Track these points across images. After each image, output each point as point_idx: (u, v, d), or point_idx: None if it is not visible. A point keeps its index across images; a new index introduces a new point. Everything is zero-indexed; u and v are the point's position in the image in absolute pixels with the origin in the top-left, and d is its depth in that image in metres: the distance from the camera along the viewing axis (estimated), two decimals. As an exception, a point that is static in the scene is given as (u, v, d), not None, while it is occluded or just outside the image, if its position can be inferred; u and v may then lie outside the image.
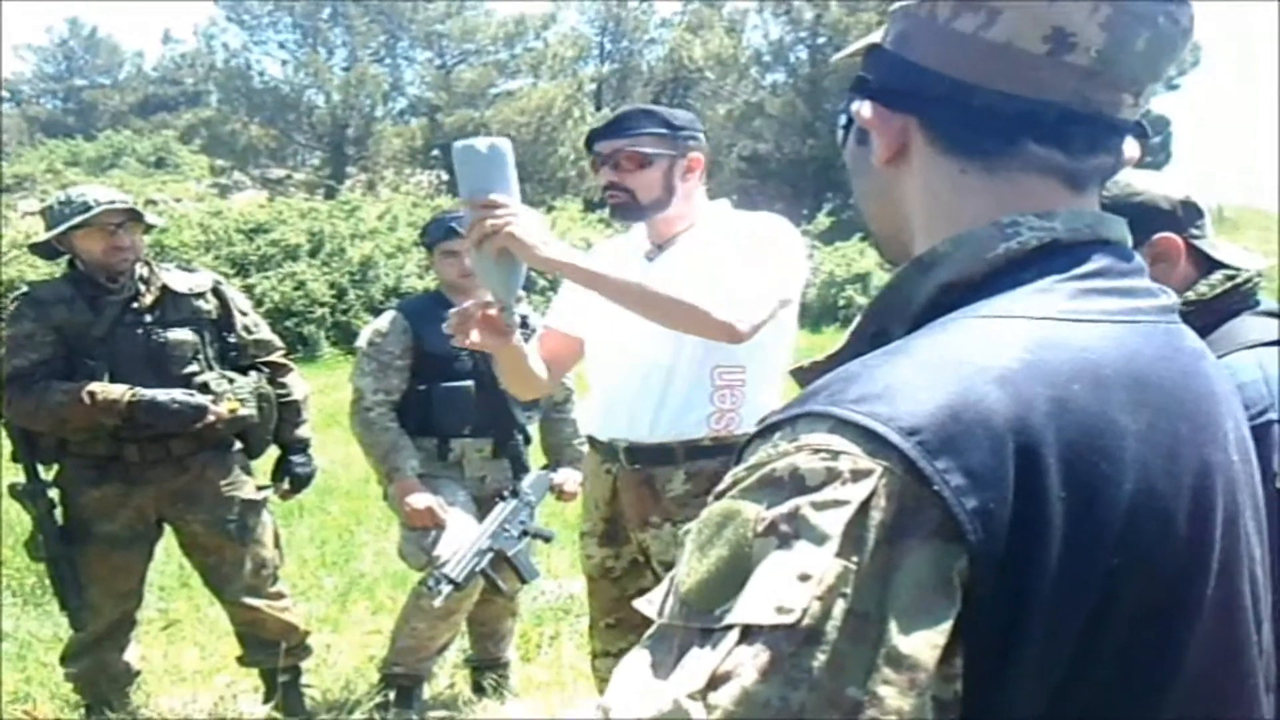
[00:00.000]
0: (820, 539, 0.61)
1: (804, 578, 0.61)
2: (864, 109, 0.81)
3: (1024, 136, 0.76)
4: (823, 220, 22.78)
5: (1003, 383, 0.66)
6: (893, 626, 0.60)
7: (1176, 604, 0.71)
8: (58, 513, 3.09)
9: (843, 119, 0.87)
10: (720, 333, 2.06)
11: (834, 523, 0.61)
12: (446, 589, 2.99)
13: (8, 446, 3.14)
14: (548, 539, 3.46)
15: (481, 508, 3.30)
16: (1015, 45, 0.74)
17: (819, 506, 0.62)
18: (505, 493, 3.26)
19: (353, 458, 6.00)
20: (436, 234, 3.40)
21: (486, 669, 3.58)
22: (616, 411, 2.33)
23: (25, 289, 3.15)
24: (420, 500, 3.20)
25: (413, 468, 3.26)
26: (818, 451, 0.64)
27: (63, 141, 31.04)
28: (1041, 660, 0.65)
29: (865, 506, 0.61)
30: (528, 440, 3.52)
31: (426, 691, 3.48)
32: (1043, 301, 0.72)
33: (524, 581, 3.29)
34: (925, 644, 0.60)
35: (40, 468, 3.11)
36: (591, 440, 2.45)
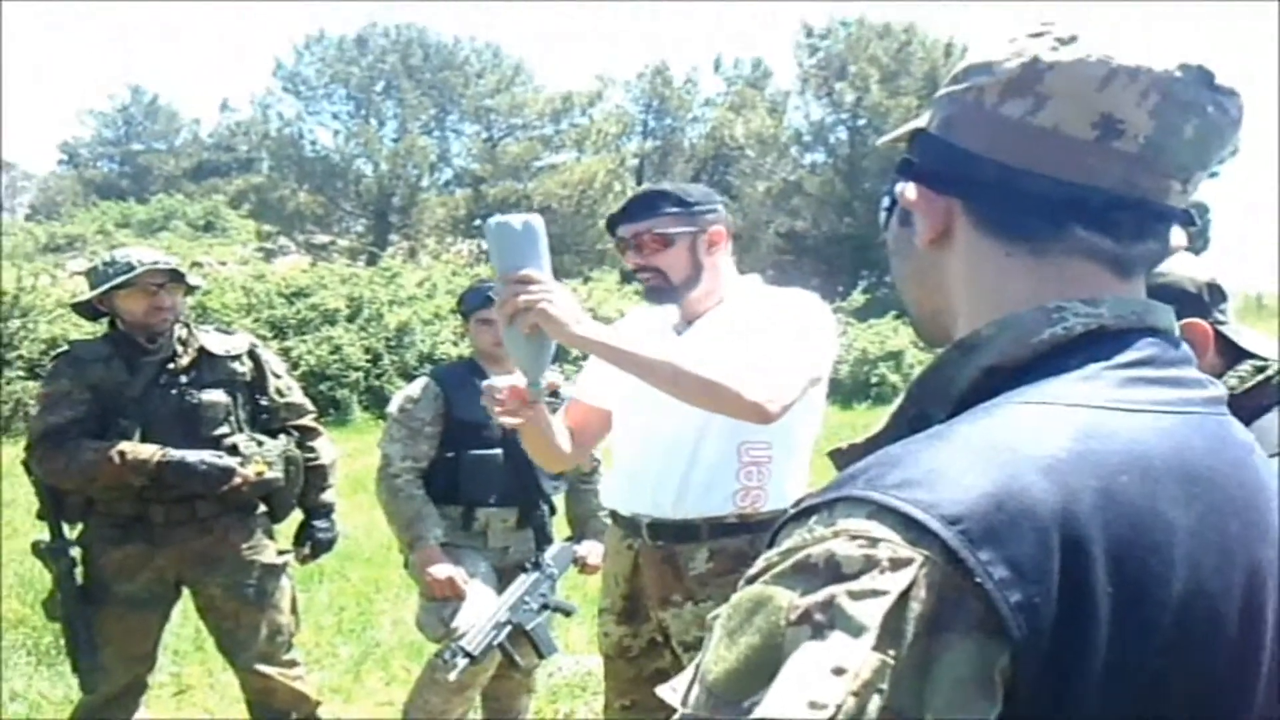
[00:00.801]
0: (857, 630, 0.59)
1: (839, 671, 0.58)
2: (908, 190, 0.81)
3: (1071, 221, 0.75)
4: (857, 298, 22.77)
5: (1049, 472, 0.63)
6: None
7: (1225, 708, 0.67)
8: (78, 572, 3.06)
9: (885, 200, 0.87)
10: (751, 413, 2.03)
11: (871, 614, 0.59)
12: (463, 662, 2.94)
13: (34, 504, 3.13)
14: (568, 613, 3.40)
15: (503, 578, 3.25)
16: (1063, 131, 0.74)
17: (856, 596, 0.59)
18: (527, 564, 3.21)
19: (375, 524, 5.97)
20: (473, 302, 3.41)
21: (500, 746, 3.50)
22: (640, 486, 2.30)
23: (65, 348, 3.17)
24: (442, 570, 3.16)
25: (436, 536, 3.23)
26: (856, 538, 0.61)
27: (116, 203, 31.76)
28: None
29: (904, 597, 0.59)
30: (553, 511, 3.48)
31: (438, 768, 3.40)
32: (1090, 389, 0.70)
33: (541, 656, 3.23)
34: None
35: (65, 526, 3.10)
36: (614, 515, 2.41)
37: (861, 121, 31.46)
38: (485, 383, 2.08)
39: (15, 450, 6.83)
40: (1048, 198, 0.75)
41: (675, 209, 2.27)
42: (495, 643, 3.02)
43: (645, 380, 2.03)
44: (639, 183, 30.67)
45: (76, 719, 3.16)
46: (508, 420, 2.08)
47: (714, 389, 2.00)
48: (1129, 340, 0.73)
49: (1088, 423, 0.67)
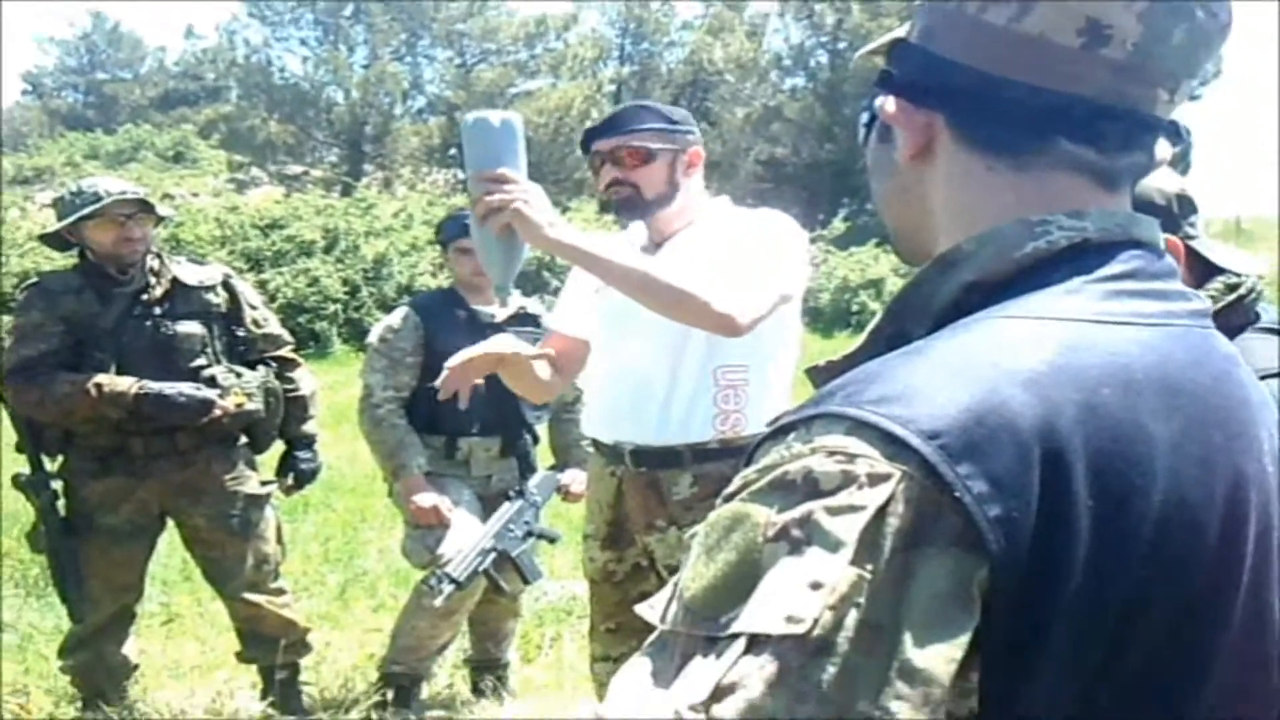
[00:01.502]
0: (834, 545, 0.58)
1: (816, 586, 0.58)
2: (888, 104, 0.79)
3: (1055, 133, 0.74)
4: (838, 225, 22.76)
5: (1029, 386, 0.63)
6: (907, 639, 0.58)
7: (1205, 617, 0.68)
8: (61, 505, 3.07)
9: (864, 116, 0.85)
10: (719, 324, 2.03)
11: (849, 529, 0.59)
12: (449, 588, 2.97)
13: (12, 437, 3.12)
14: (553, 540, 3.43)
15: (487, 507, 3.27)
16: (1048, 37, 0.72)
17: (833, 511, 0.59)
18: (511, 492, 3.23)
19: (359, 454, 5.99)
20: (452, 231, 3.38)
21: (486, 669, 3.55)
22: (619, 414, 2.30)
23: (35, 280, 3.13)
24: (426, 499, 3.18)
25: (419, 465, 3.24)
26: (833, 454, 0.61)
27: (83, 135, 31.22)
28: (1063, 674, 0.62)
29: (882, 512, 0.59)
30: (536, 440, 3.49)
31: (425, 691, 3.46)
32: (1072, 303, 0.69)
33: (527, 582, 3.26)
34: (941, 658, 0.58)
35: (45, 459, 3.10)
36: (595, 443, 2.41)
37: (842, 45, 31.08)
38: (450, 365, 2.13)
39: (-9, 385, 6.83)
40: (1031, 108, 0.73)
41: (660, 124, 2.25)
42: (481, 569, 3.04)
43: (617, 288, 2.02)
44: (616, 109, 30.31)
45: (67, 648, 3.19)
46: (449, 386, 2.16)
47: (684, 298, 1.99)
48: (1113, 253, 0.72)
49: (1069, 336, 0.67)
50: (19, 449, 3.11)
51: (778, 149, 31.65)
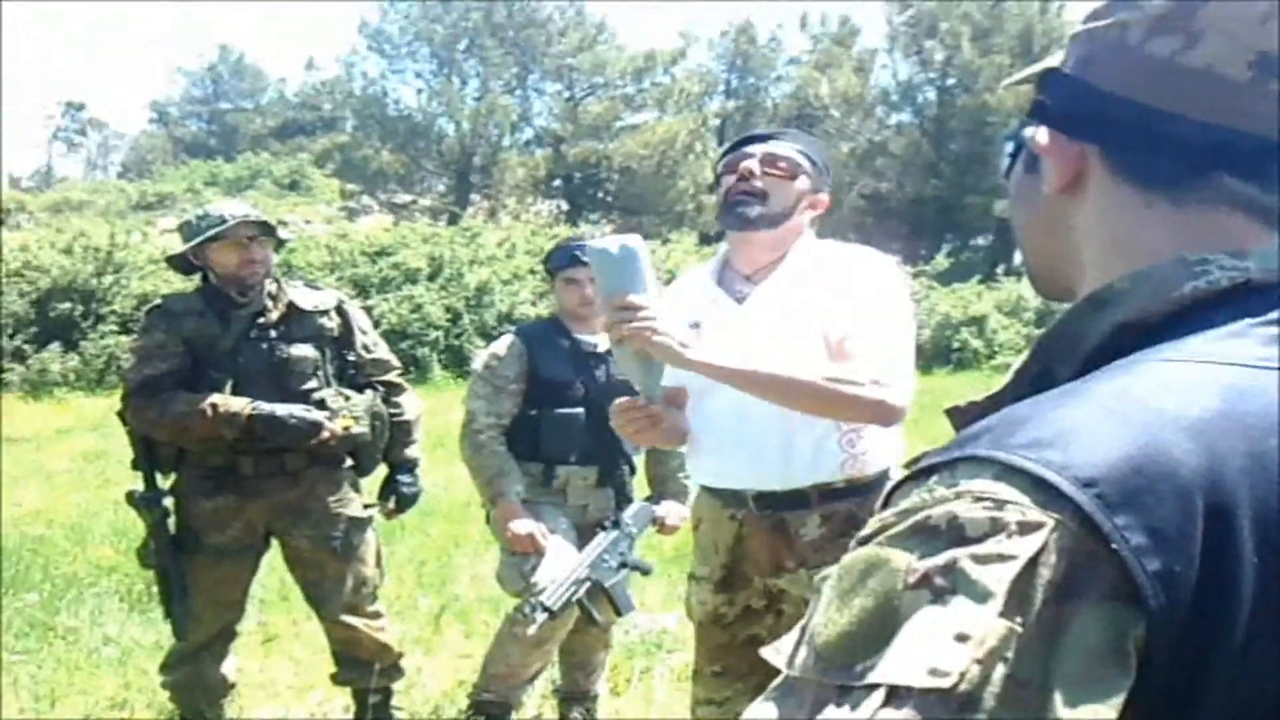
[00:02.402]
0: (982, 596, 0.55)
1: (962, 638, 0.55)
2: (1040, 134, 0.77)
3: (1218, 168, 0.70)
4: (941, 261, 22.44)
5: (1193, 434, 0.59)
6: (1058, 697, 0.54)
7: None
8: (171, 522, 3.13)
9: (1009, 145, 0.83)
10: (875, 416, 2.06)
11: (998, 579, 0.55)
12: (541, 616, 2.95)
13: (127, 455, 3.21)
14: (646, 572, 3.40)
15: (583, 536, 3.26)
16: (1216, 71, 0.69)
17: (980, 560, 0.56)
18: (606, 523, 3.22)
19: (455, 479, 6.05)
20: (560, 260, 3.39)
21: (575, 701, 3.53)
22: (738, 461, 2.24)
23: (158, 302, 3.23)
24: (522, 526, 3.18)
25: (517, 493, 3.24)
26: (980, 500, 0.58)
27: (204, 162, 32.47)
28: None
29: (1033, 563, 0.55)
30: (633, 471, 3.48)
31: (514, 720, 3.45)
32: (1235, 347, 0.65)
33: (619, 614, 3.23)
34: (1094, 718, 0.54)
35: (159, 477, 3.16)
36: (708, 488, 2.37)
37: (951, 81, 30.77)
38: (614, 406, 2.16)
39: (110, 402, 7.05)
40: (1195, 143, 0.70)
41: (814, 157, 2.28)
42: (574, 598, 3.03)
43: (762, 397, 2.05)
44: (720, 143, 30.42)
45: (169, 664, 3.24)
46: (639, 438, 2.20)
47: (835, 398, 2.02)
48: (1276, 295, 0.68)
49: (1234, 382, 0.63)
50: (135, 466, 3.18)
51: (882, 184, 31.38)
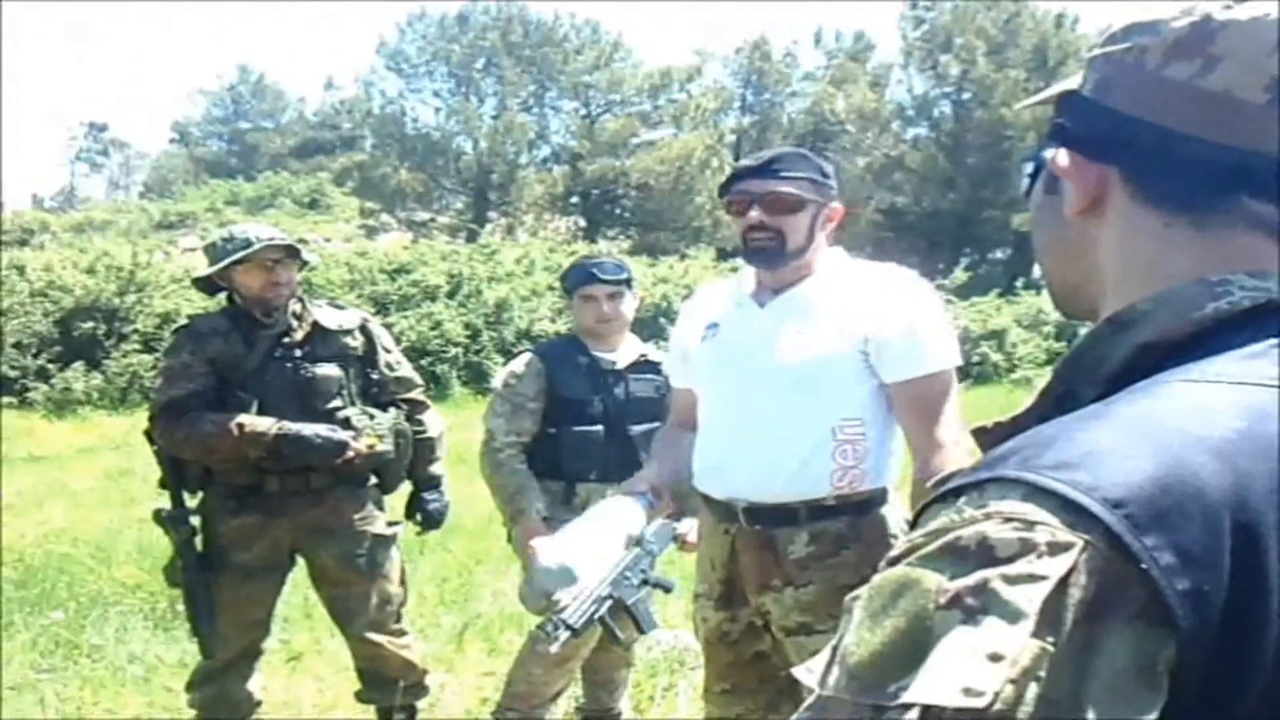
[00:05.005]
0: (1014, 616, 0.56)
1: (995, 658, 0.55)
2: (1059, 157, 0.78)
3: (1238, 190, 0.71)
4: (959, 275, 22.34)
5: (1219, 454, 0.60)
6: (1090, 717, 0.55)
7: None
8: (198, 540, 3.15)
9: (1028, 166, 0.84)
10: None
11: (1029, 600, 0.56)
12: (564, 635, 2.95)
13: (152, 474, 3.23)
14: (668, 589, 3.38)
15: (604, 555, 3.26)
16: (1234, 94, 0.70)
17: (1011, 580, 0.57)
18: (628, 540, 3.22)
19: (476, 497, 6.03)
20: (577, 278, 3.40)
21: (598, 719, 3.53)
22: (733, 469, 2.25)
23: (185, 322, 3.26)
24: (543, 543, 3.19)
25: (538, 510, 3.25)
26: (1010, 520, 0.59)
27: (224, 182, 32.72)
28: None
29: (1064, 584, 0.56)
30: (654, 489, 3.48)
31: (539, 739, 3.44)
32: (1258, 367, 0.66)
33: (642, 631, 3.22)
34: None
35: (186, 495, 3.19)
36: (706, 499, 2.36)
37: (966, 95, 30.74)
38: None
39: (133, 421, 7.10)
40: (1214, 165, 0.71)
41: (811, 174, 2.23)
42: (596, 616, 3.02)
43: None
44: (736, 159, 30.46)
45: (195, 683, 3.25)
46: None
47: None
48: None
49: (1257, 402, 0.63)
50: (161, 484, 3.21)
51: (898, 198, 31.34)
